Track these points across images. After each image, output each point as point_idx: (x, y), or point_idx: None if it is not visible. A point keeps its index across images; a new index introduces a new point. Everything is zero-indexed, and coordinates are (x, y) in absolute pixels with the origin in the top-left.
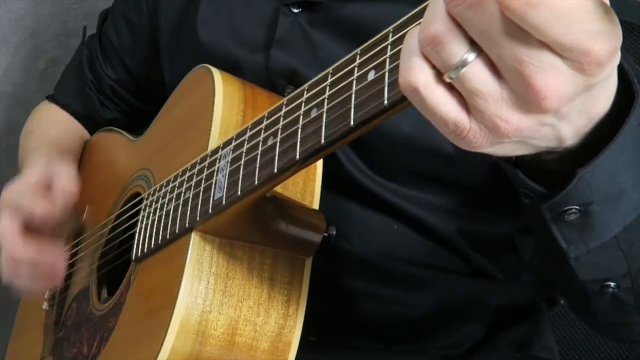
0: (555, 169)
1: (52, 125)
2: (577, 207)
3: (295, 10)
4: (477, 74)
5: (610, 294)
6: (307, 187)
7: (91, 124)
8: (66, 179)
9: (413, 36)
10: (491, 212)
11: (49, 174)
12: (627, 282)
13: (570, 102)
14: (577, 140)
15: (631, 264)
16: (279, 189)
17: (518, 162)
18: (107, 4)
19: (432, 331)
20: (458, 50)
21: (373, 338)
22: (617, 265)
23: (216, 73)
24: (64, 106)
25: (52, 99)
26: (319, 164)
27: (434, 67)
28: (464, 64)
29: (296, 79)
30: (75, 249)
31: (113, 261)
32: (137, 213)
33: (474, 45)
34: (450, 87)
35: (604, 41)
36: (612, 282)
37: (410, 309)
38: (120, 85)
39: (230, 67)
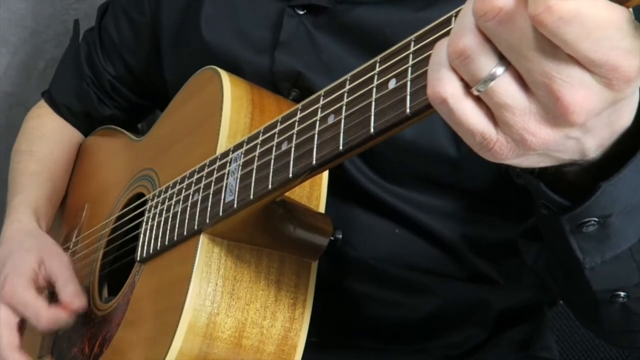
0: (574, 180)
1: (38, 146)
2: (596, 219)
3: (300, 12)
4: (505, 87)
5: (619, 303)
6: (314, 190)
7: (89, 121)
8: (71, 294)
9: (442, 47)
10: (494, 216)
11: (43, 270)
12: (637, 291)
13: (597, 116)
14: (599, 153)
15: None
16: (286, 192)
17: (540, 173)
18: None
19: (433, 332)
20: (487, 64)
21: (373, 338)
22: (630, 275)
23: (224, 75)
24: (61, 106)
25: (49, 96)
26: None
27: (462, 79)
28: (492, 77)
29: (300, 82)
30: (74, 248)
31: (115, 261)
32: (141, 214)
33: (502, 59)
34: (478, 99)
35: (633, 58)
36: (623, 291)
37: (412, 312)
38: (119, 82)
39: (234, 67)
